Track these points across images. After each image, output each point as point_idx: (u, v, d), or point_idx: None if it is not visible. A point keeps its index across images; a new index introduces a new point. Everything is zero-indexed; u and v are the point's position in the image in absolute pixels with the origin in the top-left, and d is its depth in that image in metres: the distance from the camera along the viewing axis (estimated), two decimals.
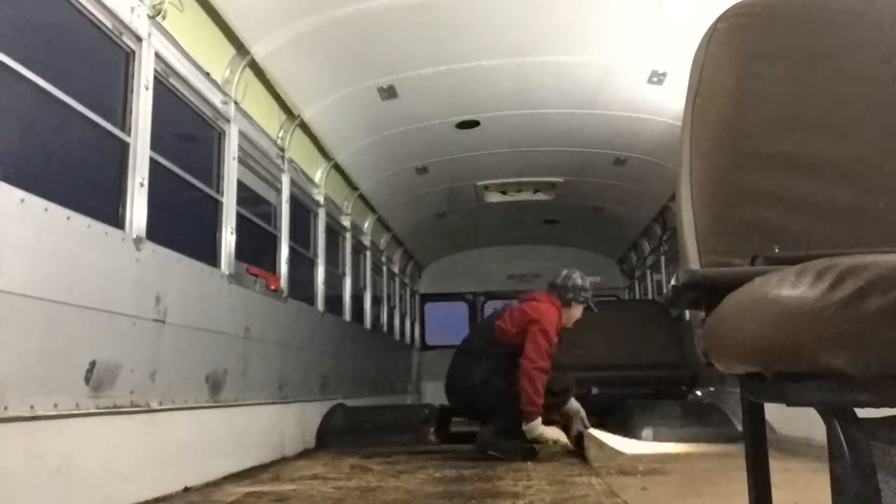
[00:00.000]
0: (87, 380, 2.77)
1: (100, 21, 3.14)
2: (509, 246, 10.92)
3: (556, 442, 4.88)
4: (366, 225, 8.22)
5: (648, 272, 9.43)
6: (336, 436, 5.73)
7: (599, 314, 8.13)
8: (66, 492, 2.60)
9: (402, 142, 6.45)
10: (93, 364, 2.79)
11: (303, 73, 4.97)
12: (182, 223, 4.18)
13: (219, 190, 4.32)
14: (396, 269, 10.06)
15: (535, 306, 5.05)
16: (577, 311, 5.20)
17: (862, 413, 0.86)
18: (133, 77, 3.35)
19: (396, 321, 10.06)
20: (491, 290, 11.16)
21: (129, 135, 3.27)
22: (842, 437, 0.84)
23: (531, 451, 4.76)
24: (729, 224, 1.24)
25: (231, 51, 4.35)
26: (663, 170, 6.67)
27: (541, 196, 8.34)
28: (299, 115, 5.38)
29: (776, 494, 1.18)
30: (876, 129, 1.30)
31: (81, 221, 2.78)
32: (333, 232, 6.99)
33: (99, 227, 2.92)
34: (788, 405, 0.97)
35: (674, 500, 3.13)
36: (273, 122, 5.21)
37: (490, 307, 11.41)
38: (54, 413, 2.56)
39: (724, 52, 1.35)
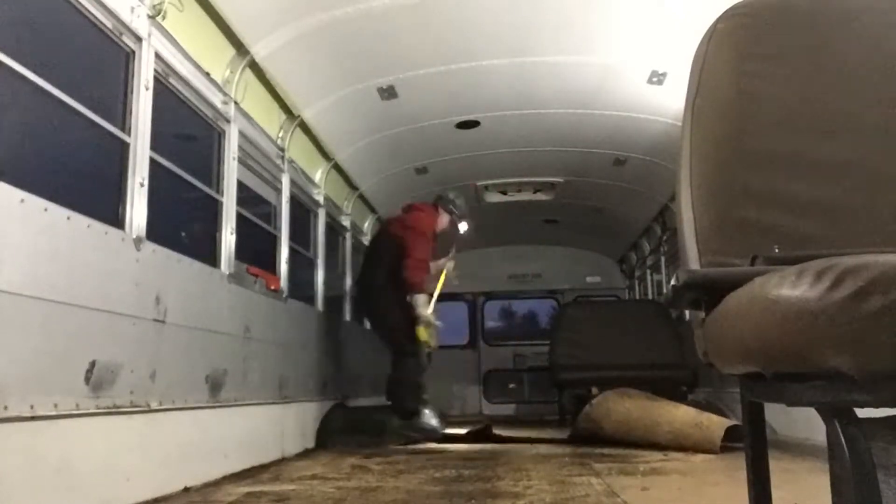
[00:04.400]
0: (87, 380, 2.77)
1: (100, 21, 3.13)
2: (509, 246, 10.88)
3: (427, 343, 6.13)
4: (366, 225, 8.22)
5: (648, 272, 9.42)
6: (336, 436, 5.73)
7: (599, 314, 8.11)
8: (66, 492, 2.60)
9: (402, 142, 6.44)
10: (93, 364, 2.79)
11: (303, 73, 4.97)
12: (182, 223, 4.18)
13: (219, 190, 4.32)
14: None
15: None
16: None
17: (862, 413, 0.86)
18: (133, 77, 3.35)
19: None
20: (491, 290, 11.13)
21: (129, 135, 3.26)
22: (842, 437, 0.84)
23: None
24: (729, 224, 1.24)
25: (231, 51, 4.35)
26: (663, 170, 6.67)
27: (541, 196, 8.34)
28: (299, 115, 5.38)
29: (776, 494, 1.18)
30: (876, 129, 1.30)
31: (81, 221, 2.78)
32: (333, 232, 6.99)
33: (99, 227, 2.92)
34: (788, 405, 0.97)
35: (674, 500, 3.14)
36: (273, 123, 5.21)
37: (490, 307, 11.38)
38: (54, 413, 2.56)
39: (724, 52, 1.35)
